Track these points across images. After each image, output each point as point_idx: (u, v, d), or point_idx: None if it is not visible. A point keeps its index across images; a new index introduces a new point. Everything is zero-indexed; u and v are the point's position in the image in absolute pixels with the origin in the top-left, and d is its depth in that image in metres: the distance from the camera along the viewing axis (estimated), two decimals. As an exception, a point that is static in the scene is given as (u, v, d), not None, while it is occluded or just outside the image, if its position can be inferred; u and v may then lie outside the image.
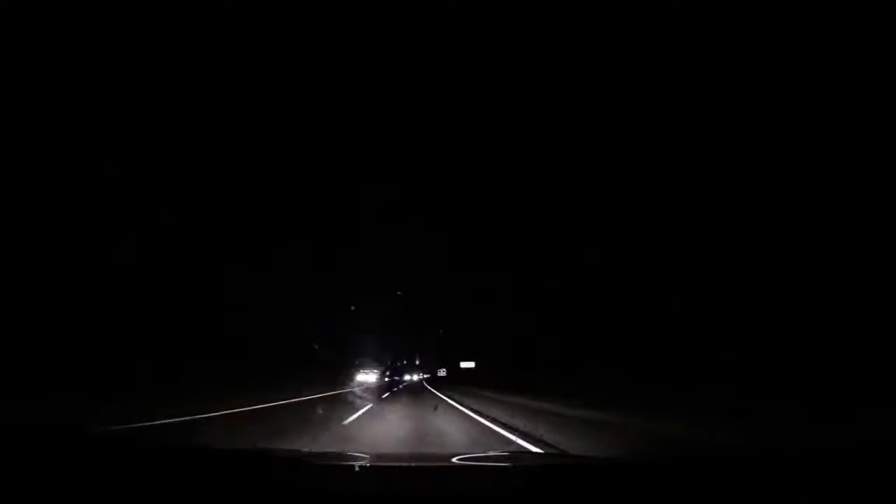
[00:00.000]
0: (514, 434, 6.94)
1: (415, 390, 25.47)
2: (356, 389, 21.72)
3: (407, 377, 55.41)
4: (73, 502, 1.26)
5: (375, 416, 9.92)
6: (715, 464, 1.92)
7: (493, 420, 8.86)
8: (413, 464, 2.47)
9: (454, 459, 2.22)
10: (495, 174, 33.42)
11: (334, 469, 2.01)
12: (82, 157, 13.90)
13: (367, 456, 2.23)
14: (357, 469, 1.96)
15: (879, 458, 1.61)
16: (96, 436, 4.29)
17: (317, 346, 34.34)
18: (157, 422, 7.16)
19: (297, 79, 29.02)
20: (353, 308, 46.14)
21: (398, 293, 57.99)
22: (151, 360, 13.62)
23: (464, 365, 47.72)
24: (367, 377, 32.32)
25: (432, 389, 25.53)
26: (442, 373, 58.64)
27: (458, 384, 29.69)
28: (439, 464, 2.32)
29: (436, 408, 11.79)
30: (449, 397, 16.90)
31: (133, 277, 15.12)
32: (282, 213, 30.01)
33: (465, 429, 7.99)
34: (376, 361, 41.89)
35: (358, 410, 10.99)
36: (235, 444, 5.71)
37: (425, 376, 59.77)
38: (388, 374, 47.47)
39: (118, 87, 15.67)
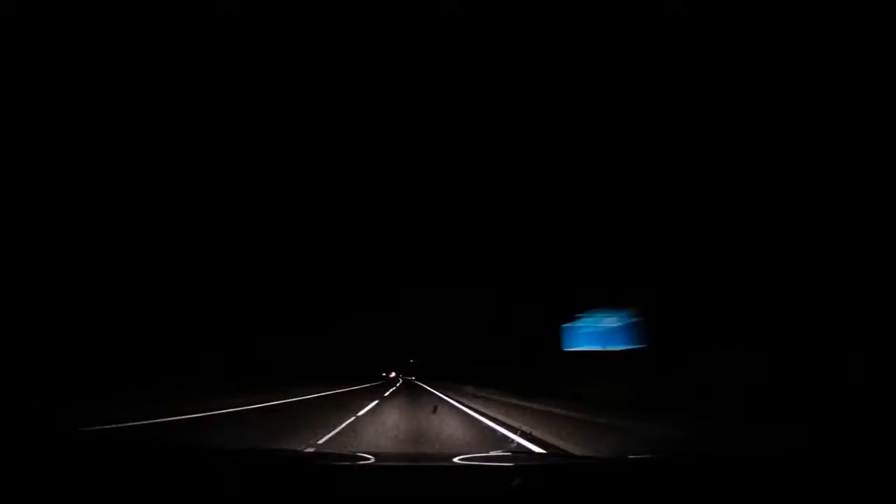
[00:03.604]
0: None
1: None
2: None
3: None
4: (72, 500, 1.27)
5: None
6: (716, 463, 1.94)
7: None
8: (414, 464, 2.46)
9: (456, 459, 2.22)
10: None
11: (335, 469, 2.02)
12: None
13: (369, 456, 2.23)
14: (357, 469, 1.98)
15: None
16: (98, 433, 4.25)
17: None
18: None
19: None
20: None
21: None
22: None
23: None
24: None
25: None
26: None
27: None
28: (440, 464, 2.33)
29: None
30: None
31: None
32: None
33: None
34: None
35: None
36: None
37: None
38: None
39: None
